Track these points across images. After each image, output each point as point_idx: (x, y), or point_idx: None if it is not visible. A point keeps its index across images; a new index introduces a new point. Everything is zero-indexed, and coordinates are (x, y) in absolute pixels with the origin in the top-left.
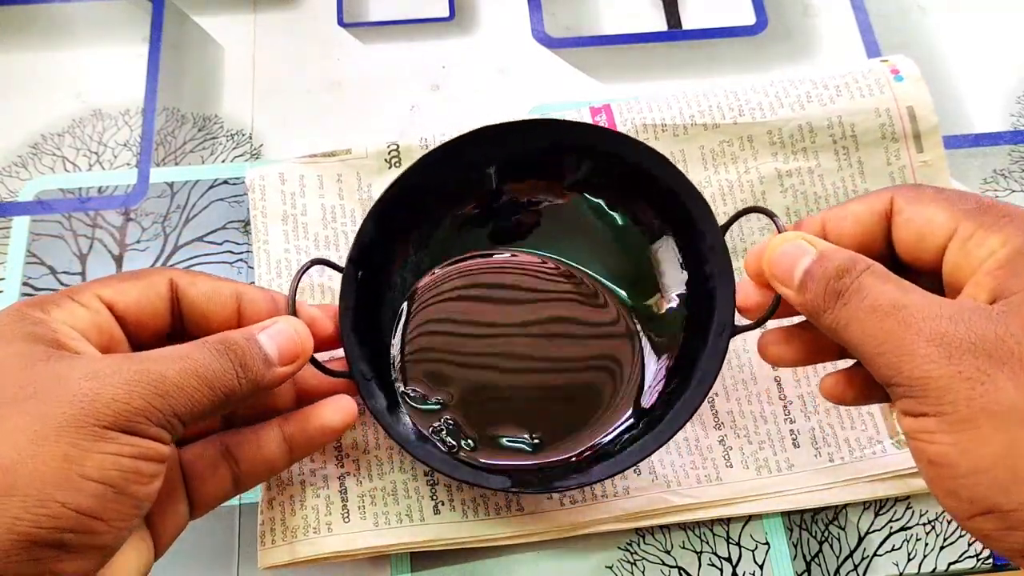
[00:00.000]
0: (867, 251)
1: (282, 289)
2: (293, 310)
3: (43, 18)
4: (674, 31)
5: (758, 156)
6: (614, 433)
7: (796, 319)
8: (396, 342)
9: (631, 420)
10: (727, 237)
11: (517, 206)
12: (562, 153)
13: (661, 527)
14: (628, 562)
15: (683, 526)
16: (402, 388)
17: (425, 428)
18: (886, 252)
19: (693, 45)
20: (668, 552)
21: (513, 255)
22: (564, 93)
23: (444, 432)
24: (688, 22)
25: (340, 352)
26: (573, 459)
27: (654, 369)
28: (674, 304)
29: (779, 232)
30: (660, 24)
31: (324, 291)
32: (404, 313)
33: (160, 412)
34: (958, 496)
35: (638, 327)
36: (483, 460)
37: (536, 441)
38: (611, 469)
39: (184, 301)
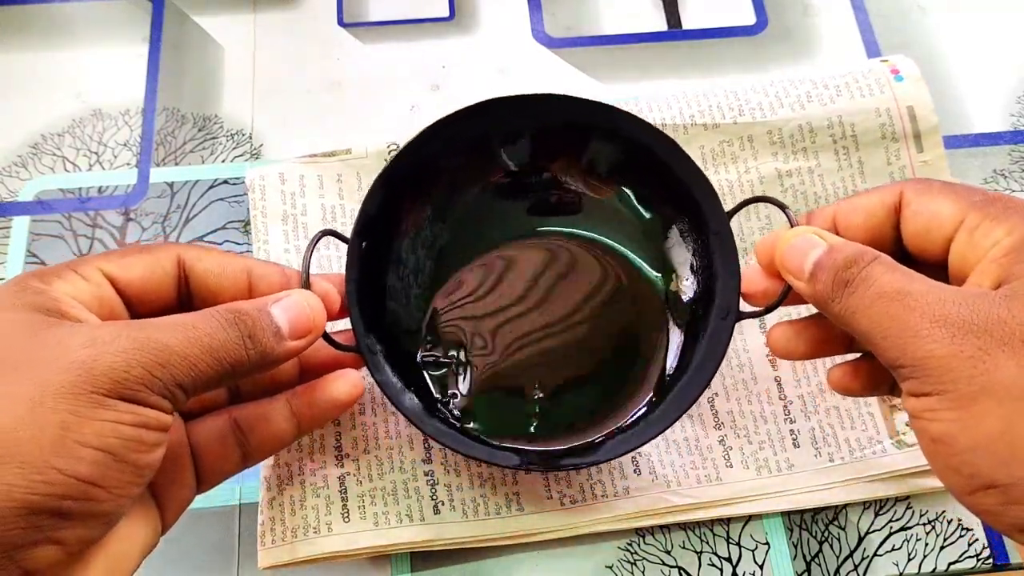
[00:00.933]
0: (876, 243)
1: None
2: (307, 284)
3: (43, 18)
4: (674, 31)
5: (758, 156)
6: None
7: (802, 308)
8: (420, 308)
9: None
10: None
11: (553, 183)
12: (573, 130)
13: (661, 527)
14: (628, 562)
15: (683, 526)
16: (421, 353)
17: (440, 397)
18: (895, 246)
19: (693, 45)
20: (668, 552)
21: (549, 242)
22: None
23: (454, 405)
24: (688, 22)
25: (346, 324)
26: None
27: (675, 350)
28: (688, 291)
29: (791, 224)
30: (660, 24)
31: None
32: (428, 282)
33: (161, 381)
34: (959, 472)
35: (668, 312)
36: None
37: (542, 417)
38: (617, 450)
39: (192, 277)
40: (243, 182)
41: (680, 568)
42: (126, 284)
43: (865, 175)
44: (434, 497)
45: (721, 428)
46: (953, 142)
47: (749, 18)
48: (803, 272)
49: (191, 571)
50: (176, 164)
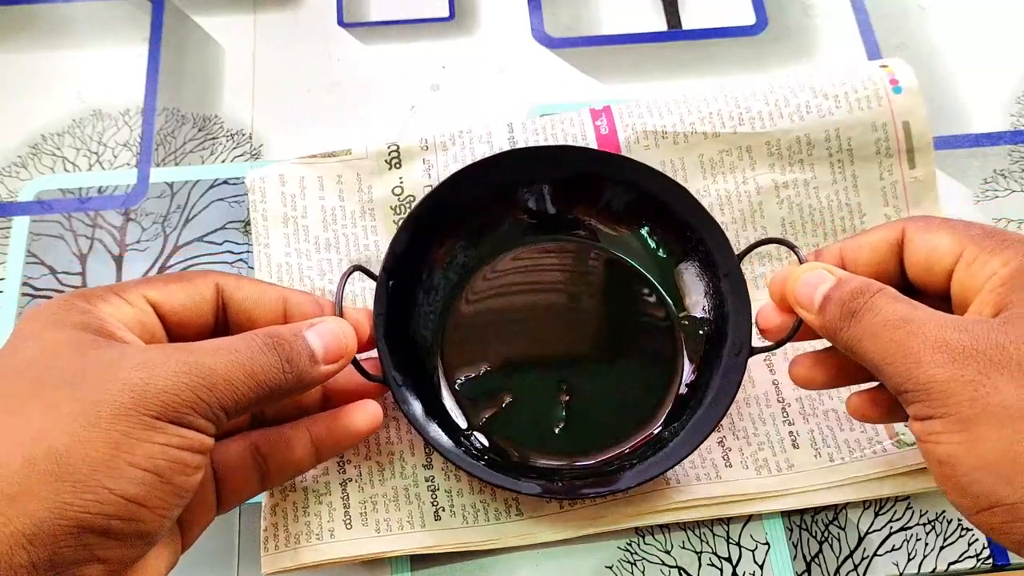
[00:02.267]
0: (882, 278)
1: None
2: (340, 313)
3: (43, 18)
4: (674, 31)
5: (756, 167)
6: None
7: (818, 343)
8: (441, 336)
9: (660, 427)
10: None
11: (573, 223)
12: (587, 178)
13: (661, 527)
14: (628, 562)
15: (683, 526)
16: (453, 379)
17: (465, 426)
18: (900, 279)
19: (693, 45)
20: (668, 552)
21: (565, 244)
22: (564, 93)
23: (475, 437)
24: (688, 22)
25: (373, 354)
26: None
27: (687, 379)
28: (700, 325)
29: (800, 262)
30: (660, 24)
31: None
32: (451, 306)
33: (207, 404)
34: (965, 492)
35: (682, 337)
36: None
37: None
38: (637, 478)
39: (230, 305)
40: (243, 182)
41: (680, 568)
42: (168, 311)
43: (859, 189)
44: (435, 503)
45: (720, 430)
46: (953, 142)
47: (749, 18)
48: (813, 305)
49: (191, 571)
50: (176, 164)
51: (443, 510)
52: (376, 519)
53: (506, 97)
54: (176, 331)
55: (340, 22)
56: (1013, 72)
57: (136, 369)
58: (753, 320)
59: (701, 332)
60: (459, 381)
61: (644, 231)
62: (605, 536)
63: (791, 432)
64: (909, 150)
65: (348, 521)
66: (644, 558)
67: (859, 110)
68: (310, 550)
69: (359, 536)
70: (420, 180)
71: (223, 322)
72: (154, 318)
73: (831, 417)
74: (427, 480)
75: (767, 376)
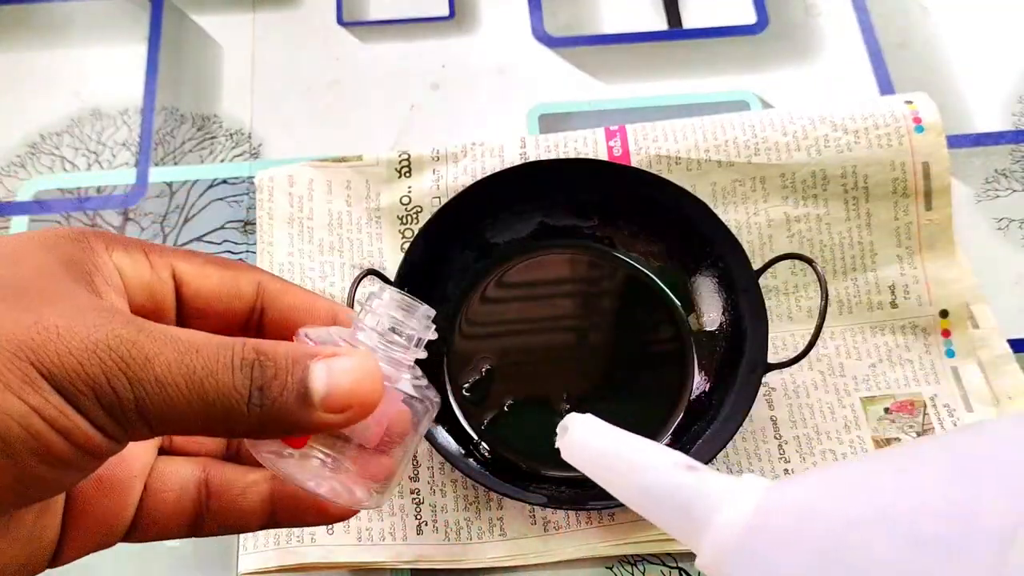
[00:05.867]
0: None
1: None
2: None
3: (43, 18)
4: (674, 31)
5: (768, 198)
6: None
7: (831, 349)
8: (450, 343)
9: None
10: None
11: (589, 236)
12: (606, 192)
13: (644, 556)
14: (628, 562)
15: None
16: (459, 385)
17: (474, 436)
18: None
19: (693, 45)
20: (669, 553)
21: (579, 255)
22: (564, 92)
23: (483, 447)
24: (688, 22)
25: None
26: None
27: (695, 383)
28: (711, 328)
29: (818, 277)
30: (660, 24)
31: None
32: (461, 314)
33: (116, 397)
34: None
35: (694, 350)
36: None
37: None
38: None
39: (271, 311)
40: (243, 182)
41: (680, 568)
42: (194, 292)
43: (872, 228)
44: (418, 517)
45: (713, 463)
46: (954, 141)
47: (750, 17)
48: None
49: (191, 571)
50: (175, 164)
51: (426, 524)
52: (359, 528)
53: (506, 97)
54: (194, 317)
55: (340, 21)
56: (1014, 71)
57: (60, 316)
58: (769, 337)
59: (716, 348)
60: (464, 386)
61: (662, 245)
62: (591, 561)
63: (786, 470)
64: (927, 192)
65: (330, 527)
66: (644, 558)
67: (879, 147)
68: (289, 552)
69: (340, 543)
70: (429, 191)
71: (256, 325)
72: (170, 293)
73: (828, 458)
74: (412, 492)
75: (765, 412)
